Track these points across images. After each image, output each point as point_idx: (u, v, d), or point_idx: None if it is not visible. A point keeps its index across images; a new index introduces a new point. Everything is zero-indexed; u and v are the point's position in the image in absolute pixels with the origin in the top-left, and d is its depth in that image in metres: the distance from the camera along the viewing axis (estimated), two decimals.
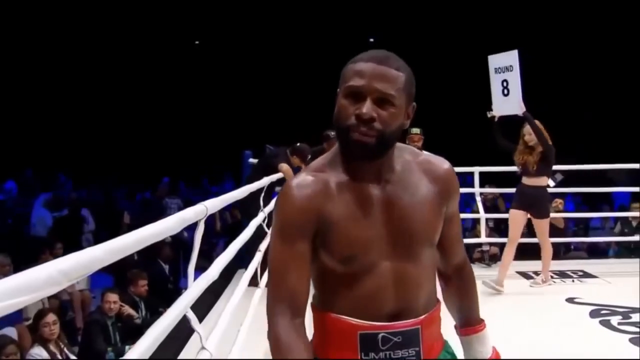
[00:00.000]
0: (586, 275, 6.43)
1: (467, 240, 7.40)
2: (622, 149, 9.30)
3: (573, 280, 6.28)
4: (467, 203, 9.22)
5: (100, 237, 8.59)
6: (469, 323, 1.70)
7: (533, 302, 5.47)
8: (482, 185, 7.31)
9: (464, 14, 15.00)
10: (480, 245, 7.21)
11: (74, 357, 4.84)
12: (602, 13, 14.56)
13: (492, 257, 7.13)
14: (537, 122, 5.63)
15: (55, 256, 6.92)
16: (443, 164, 1.55)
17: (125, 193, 12.14)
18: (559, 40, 15.13)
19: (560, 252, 7.78)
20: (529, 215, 5.84)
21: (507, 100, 6.02)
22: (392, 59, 1.39)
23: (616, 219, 8.94)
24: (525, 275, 6.49)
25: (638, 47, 13.15)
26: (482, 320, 1.72)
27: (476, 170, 7.16)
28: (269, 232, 4.01)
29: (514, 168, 7.32)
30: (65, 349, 4.76)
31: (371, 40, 16.84)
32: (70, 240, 7.96)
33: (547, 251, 5.92)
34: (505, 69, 6.06)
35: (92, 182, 12.94)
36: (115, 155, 15.21)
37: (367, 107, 1.33)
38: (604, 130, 14.41)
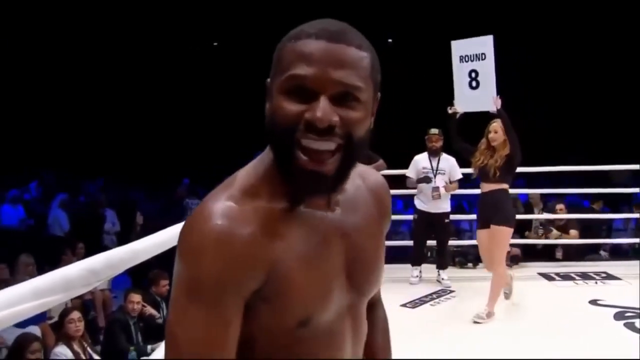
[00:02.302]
0: (609, 277, 6.34)
1: None
2: (622, 149, 9.18)
3: (596, 282, 6.20)
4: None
5: (123, 238, 8.67)
6: None
7: (556, 304, 5.41)
8: None
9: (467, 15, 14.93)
10: None
11: (97, 357, 4.87)
12: (603, 11, 14.45)
13: (513, 258, 7.07)
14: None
15: (78, 256, 7.03)
16: (378, 176, 1.19)
17: (146, 194, 12.22)
18: (559, 40, 15.05)
19: (585, 254, 7.69)
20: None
21: (475, 95, 5.22)
22: (350, 32, 0.96)
23: (638, 220, 8.83)
24: (547, 276, 6.44)
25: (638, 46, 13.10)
26: None
27: None
28: None
29: (527, 169, 7.19)
30: (88, 348, 4.80)
31: (389, 40, 16.80)
32: (90, 240, 8.00)
33: (499, 276, 4.94)
34: (474, 57, 5.23)
35: (114, 183, 13.04)
36: (135, 156, 15.30)
37: (323, 109, 0.90)
38: (604, 130, 14.31)
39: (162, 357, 1.57)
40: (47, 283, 1.12)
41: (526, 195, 8.55)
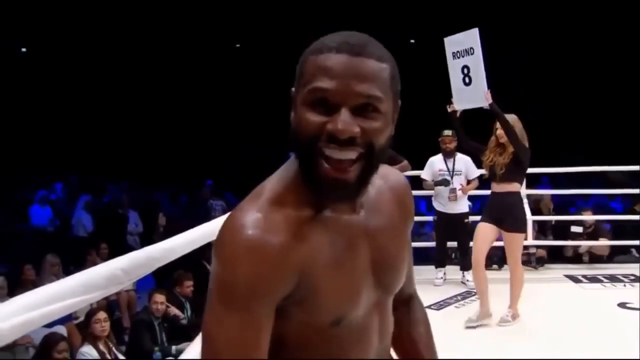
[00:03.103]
0: (638, 279, 6.21)
1: None
2: (622, 149, 9.04)
3: (624, 285, 6.09)
4: None
5: (146, 239, 8.72)
6: None
7: (583, 308, 5.33)
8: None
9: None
10: (526, 247, 7.05)
11: (122, 357, 4.90)
12: (602, 11, 14.33)
13: (539, 260, 7.00)
14: (513, 117, 4.64)
15: (101, 256, 7.09)
16: (400, 176, 1.23)
17: (169, 196, 12.31)
18: (559, 40, 14.94)
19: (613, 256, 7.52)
20: (499, 232, 4.78)
21: (469, 91, 4.98)
22: (370, 44, 1.00)
23: None
24: (573, 278, 6.35)
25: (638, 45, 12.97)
26: None
27: None
28: None
29: (559, 169, 7.06)
30: (113, 348, 4.83)
31: (412, 41, 16.72)
32: (114, 240, 8.06)
33: (517, 278, 4.85)
34: (465, 53, 4.97)
35: (138, 185, 13.14)
36: (158, 158, 15.42)
37: (343, 121, 0.94)
38: (603, 130, 14.17)
39: (188, 358, 1.57)
40: (81, 281, 1.13)
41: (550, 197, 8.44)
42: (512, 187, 4.73)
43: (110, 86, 16.19)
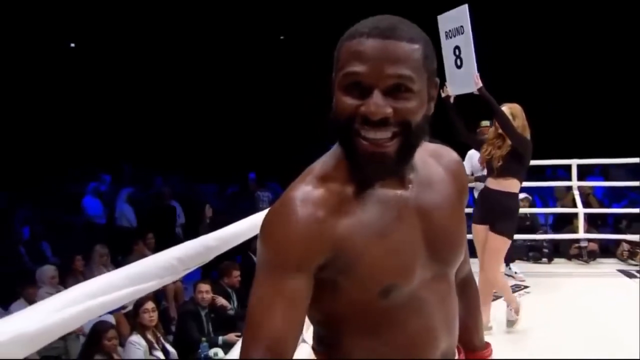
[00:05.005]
0: None
1: (563, 236, 7.08)
2: (622, 149, 8.77)
3: None
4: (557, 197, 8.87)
5: (190, 230, 8.80)
6: (473, 347, 1.43)
7: (637, 304, 5.16)
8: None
9: None
10: (577, 241, 6.89)
11: (169, 347, 4.94)
12: (603, 11, 14.01)
13: (591, 254, 6.82)
14: (515, 106, 4.26)
15: (148, 246, 7.17)
16: (452, 154, 1.27)
17: (215, 188, 12.40)
18: (561, 39, 14.63)
19: None
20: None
21: (461, 75, 4.46)
22: (402, 27, 1.03)
23: None
24: (627, 273, 6.17)
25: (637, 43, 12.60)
26: (489, 345, 1.46)
27: (574, 162, 6.75)
28: None
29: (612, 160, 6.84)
30: (161, 338, 4.88)
31: None
32: (159, 231, 8.13)
33: (499, 286, 4.48)
34: (456, 32, 4.46)
35: (184, 177, 13.28)
36: (204, 152, 15.58)
37: (376, 104, 0.99)
38: (604, 129, 13.84)
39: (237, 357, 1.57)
40: (138, 271, 1.12)
41: (602, 189, 8.23)
42: (510, 184, 4.27)
43: (158, 80, 16.40)
